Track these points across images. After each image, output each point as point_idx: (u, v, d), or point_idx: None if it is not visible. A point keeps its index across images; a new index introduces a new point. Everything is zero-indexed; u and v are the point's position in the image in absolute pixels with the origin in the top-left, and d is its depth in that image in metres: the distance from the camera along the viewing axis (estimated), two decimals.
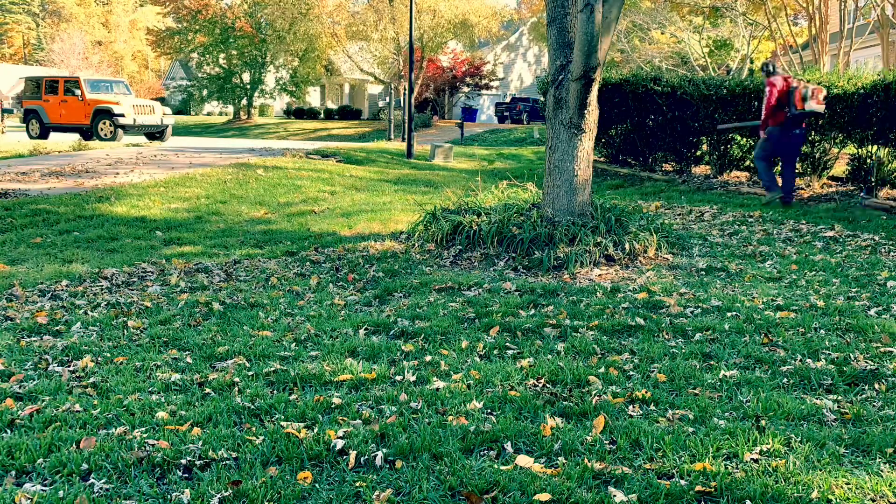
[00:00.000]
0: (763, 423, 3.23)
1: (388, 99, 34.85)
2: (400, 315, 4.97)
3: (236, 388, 3.66)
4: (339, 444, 2.99)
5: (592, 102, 6.75)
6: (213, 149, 17.98)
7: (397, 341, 4.44)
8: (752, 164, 11.56)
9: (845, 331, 4.51)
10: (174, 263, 6.59)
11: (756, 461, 2.89)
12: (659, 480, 2.75)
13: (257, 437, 3.07)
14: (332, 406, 3.42)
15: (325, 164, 14.26)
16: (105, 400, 3.51)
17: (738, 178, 11.75)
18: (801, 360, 4.01)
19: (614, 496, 2.63)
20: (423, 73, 33.66)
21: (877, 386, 3.66)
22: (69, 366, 4.03)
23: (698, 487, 2.68)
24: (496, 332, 4.58)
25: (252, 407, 3.41)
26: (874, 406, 3.43)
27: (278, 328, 4.72)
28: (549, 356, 4.13)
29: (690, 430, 3.15)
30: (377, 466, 2.85)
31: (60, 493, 2.63)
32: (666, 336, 4.49)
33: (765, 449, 2.97)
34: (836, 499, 2.63)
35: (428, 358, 4.10)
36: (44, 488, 2.70)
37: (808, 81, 9.91)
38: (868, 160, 9.90)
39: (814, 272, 6.07)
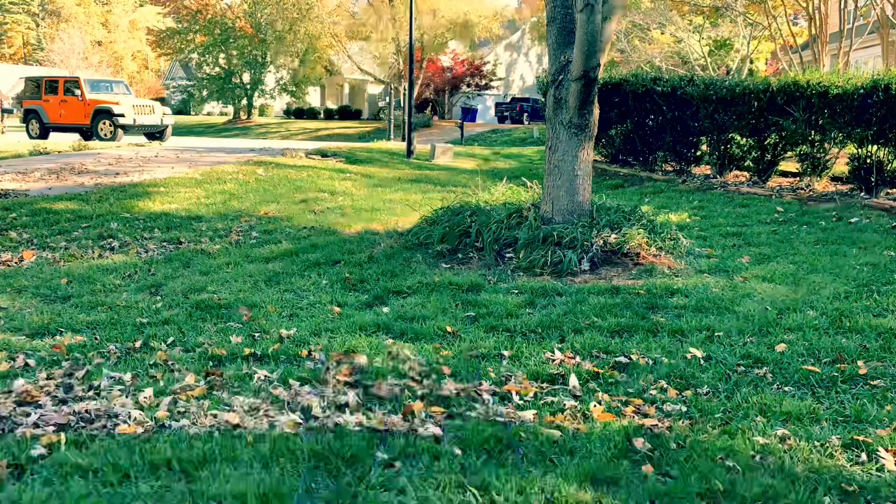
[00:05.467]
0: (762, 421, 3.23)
1: (388, 99, 34.84)
2: (399, 315, 4.96)
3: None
4: None
5: (592, 102, 6.75)
6: (214, 149, 17.98)
7: (397, 342, 4.44)
8: (751, 164, 11.53)
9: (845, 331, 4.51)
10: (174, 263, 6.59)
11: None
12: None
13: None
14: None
15: (326, 163, 14.26)
16: None
17: (738, 177, 11.74)
18: (801, 360, 4.01)
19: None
20: (424, 74, 33.66)
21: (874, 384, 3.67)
22: None
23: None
24: (496, 333, 4.58)
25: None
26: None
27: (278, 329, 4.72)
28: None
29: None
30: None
31: None
32: (665, 336, 4.48)
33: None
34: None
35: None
36: None
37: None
38: (868, 160, 9.89)
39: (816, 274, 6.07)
